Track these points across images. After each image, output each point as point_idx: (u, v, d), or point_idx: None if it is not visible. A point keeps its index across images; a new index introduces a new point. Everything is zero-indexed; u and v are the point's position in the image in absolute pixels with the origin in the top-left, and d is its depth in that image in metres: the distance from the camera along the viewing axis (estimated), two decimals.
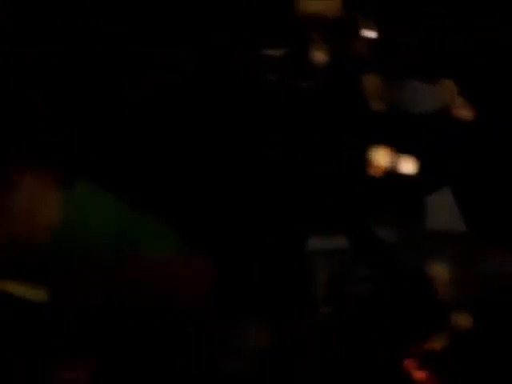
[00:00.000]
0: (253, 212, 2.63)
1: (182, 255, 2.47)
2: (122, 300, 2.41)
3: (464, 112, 2.55)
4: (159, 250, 2.48)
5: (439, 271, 2.40)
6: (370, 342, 2.42)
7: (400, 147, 2.49)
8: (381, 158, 2.48)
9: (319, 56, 2.51)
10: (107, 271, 2.41)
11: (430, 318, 2.38)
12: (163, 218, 2.53)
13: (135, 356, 2.37)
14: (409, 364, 2.34)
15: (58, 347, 2.33)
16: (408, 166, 2.50)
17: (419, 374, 2.33)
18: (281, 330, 2.46)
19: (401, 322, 2.40)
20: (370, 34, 2.59)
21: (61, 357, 2.30)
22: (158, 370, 2.35)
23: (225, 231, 2.58)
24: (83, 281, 2.39)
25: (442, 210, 2.54)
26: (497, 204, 2.55)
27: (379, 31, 2.56)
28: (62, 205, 2.38)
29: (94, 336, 2.36)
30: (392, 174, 2.48)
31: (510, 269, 2.43)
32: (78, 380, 2.25)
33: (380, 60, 2.56)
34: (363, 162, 2.48)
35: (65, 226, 2.37)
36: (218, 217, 2.59)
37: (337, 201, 2.54)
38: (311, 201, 2.59)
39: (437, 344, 2.33)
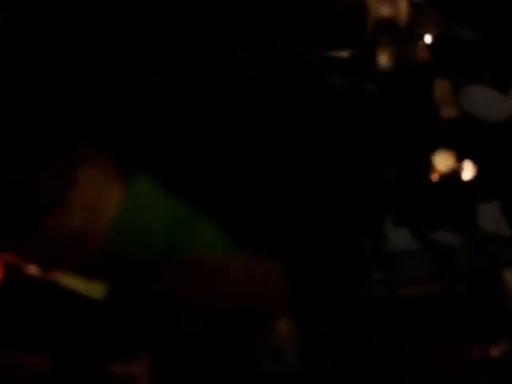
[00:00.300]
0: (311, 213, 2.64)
1: (242, 256, 2.46)
2: (179, 299, 2.39)
3: None
4: (214, 250, 2.42)
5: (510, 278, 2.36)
6: (430, 344, 2.39)
7: (463, 153, 2.46)
8: (442, 162, 2.44)
9: (385, 60, 2.49)
10: (165, 269, 2.41)
11: (498, 323, 2.35)
12: (217, 218, 2.56)
13: (189, 353, 2.36)
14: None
15: (116, 342, 2.33)
16: (468, 172, 2.46)
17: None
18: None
19: (467, 325, 2.37)
20: (428, 38, 2.58)
21: (119, 352, 2.31)
22: (204, 368, 2.35)
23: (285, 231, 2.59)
24: (141, 279, 2.39)
25: (490, 220, 2.51)
26: None
27: (450, 35, 2.55)
28: (124, 196, 2.39)
29: (154, 331, 2.35)
30: (450, 179, 2.45)
31: None
32: (138, 375, 2.23)
33: (448, 65, 2.55)
34: (425, 166, 2.45)
35: (122, 220, 2.32)
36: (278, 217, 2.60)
37: (397, 204, 2.53)
38: (370, 203, 2.58)
39: (496, 351, 2.29)
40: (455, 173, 2.41)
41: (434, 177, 2.42)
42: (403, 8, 2.51)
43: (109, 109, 2.56)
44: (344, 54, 2.53)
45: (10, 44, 2.59)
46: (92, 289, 2.32)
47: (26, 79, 2.59)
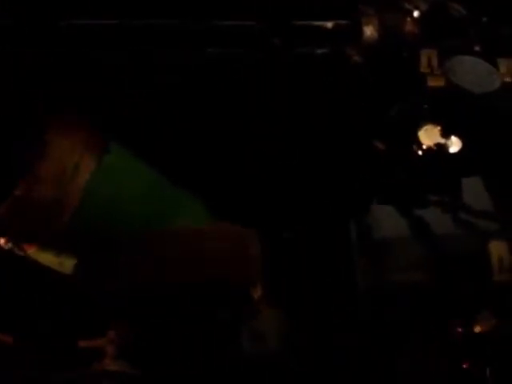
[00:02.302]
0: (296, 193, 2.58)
1: (216, 227, 2.38)
2: (152, 272, 2.32)
3: None
4: (189, 221, 2.34)
5: (498, 248, 2.25)
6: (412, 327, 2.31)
7: (450, 125, 2.37)
8: (428, 136, 2.35)
9: (370, 31, 2.41)
10: (137, 243, 2.34)
11: (482, 298, 2.26)
12: (193, 189, 2.49)
13: (161, 328, 2.29)
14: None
15: (85, 317, 2.25)
16: (454, 147, 2.38)
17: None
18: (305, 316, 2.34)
19: (450, 303, 2.28)
20: (416, 13, 2.52)
21: (88, 326, 2.22)
22: (181, 345, 2.28)
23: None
24: (112, 253, 2.32)
25: (474, 194, 2.44)
26: None
27: (439, 8, 2.48)
28: (97, 169, 2.31)
29: (122, 307, 2.28)
30: (436, 153, 2.37)
31: None
32: (105, 349, 2.14)
33: (433, 36, 2.48)
34: (411, 140, 2.37)
35: (96, 190, 2.25)
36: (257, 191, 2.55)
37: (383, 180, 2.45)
38: (354, 181, 2.52)
39: (483, 327, 2.19)
40: (441, 147, 2.31)
41: (420, 151, 2.33)
42: None
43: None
44: (329, 24, 2.48)
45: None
46: (63, 263, 2.25)
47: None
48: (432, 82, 2.33)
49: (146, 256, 2.25)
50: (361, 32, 2.40)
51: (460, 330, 2.17)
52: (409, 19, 2.42)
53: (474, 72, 2.35)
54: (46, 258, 2.26)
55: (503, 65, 2.39)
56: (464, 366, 2.16)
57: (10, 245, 2.25)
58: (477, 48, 2.40)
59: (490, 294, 2.17)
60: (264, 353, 2.25)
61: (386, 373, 2.26)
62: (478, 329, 2.12)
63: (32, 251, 2.24)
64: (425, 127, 2.31)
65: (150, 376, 2.17)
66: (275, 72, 2.55)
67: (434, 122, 2.30)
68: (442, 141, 2.30)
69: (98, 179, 2.27)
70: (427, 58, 2.36)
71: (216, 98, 2.60)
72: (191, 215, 2.38)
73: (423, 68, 2.35)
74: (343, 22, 2.45)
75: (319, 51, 2.46)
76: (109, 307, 2.21)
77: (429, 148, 2.30)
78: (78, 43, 2.59)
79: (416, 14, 2.46)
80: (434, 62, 2.35)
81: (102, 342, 2.14)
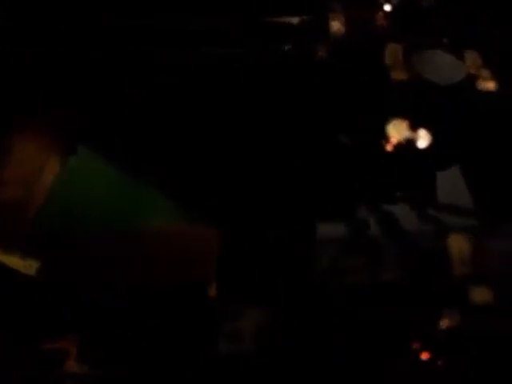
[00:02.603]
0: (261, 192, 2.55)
1: (183, 225, 2.36)
2: (118, 273, 2.30)
3: (489, 84, 2.40)
4: (158, 220, 2.34)
5: (458, 242, 2.22)
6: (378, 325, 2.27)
7: (419, 118, 2.35)
8: (397, 131, 2.32)
9: (337, 25, 2.39)
10: (104, 243, 2.32)
11: (443, 294, 2.22)
12: (163, 188, 2.47)
13: (127, 329, 2.27)
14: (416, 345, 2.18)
15: (47, 319, 2.23)
16: (423, 140, 2.35)
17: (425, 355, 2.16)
18: (280, 314, 2.30)
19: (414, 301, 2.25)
20: (387, 7, 2.50)
21: (50, 328, 2.20)
22: (150, 347, 2.25)
23: (229, 204, 2.51)
24: (75, 253, 2.30)
25: (450, 186, 2.40)
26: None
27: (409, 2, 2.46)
28: (61, 171, 2.30)
29: (85, 309, 2.25)
30: (406, 148, 2.34)
31: None
32: (67, 351, 2.12)
33: (402, 30, 2.46)
34: (379, 135, 2.34)
35: (61, 192, 2.26)
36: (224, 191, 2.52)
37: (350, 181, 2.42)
38: (321, 180, 2.49)
39: (449, 323, 2.15)
40: (410, 141, 2.28)
41: (389, 147, 2.30)
42: None
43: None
44: (295, 20, 2.46)
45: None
46: (28, 266, 2.24)
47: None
48: (395, 75, 2.31)
49: (116, 256, 2.23)
50: (327, 27, 2.38)
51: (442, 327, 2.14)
52: (380, 13, 2.40)
53: (439, 64, 2.33)
54: (12, 261, 2.24)
55: (469, 57, 2.37)
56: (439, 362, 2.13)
57: None
58: (444, 40, 2.38)
59: (454, 290, 2.14)
60: (241, 352, 2.22)
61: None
62: (444, 325, 2.08)
63: None
64: (393, 122, 2.29)
65: (118, 378, 2.15)
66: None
67: (402, 116, 2.28)
68: (411, 135, 2.27)
69: (63, 180, 2.26)
70: (392, 51, 2.34)
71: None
72: (158, 215, 2.36)
73: (388, 61, 2.33)
74: (309, 17, 2.43)
75: (285, 47, 2.44)
76: (73, 308, 2.19)
77: (398, 143, 2.27)
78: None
79: (387, 7, 2.44)
80: (399, 55, 2.33)
81: (65, 343, 2.12)
